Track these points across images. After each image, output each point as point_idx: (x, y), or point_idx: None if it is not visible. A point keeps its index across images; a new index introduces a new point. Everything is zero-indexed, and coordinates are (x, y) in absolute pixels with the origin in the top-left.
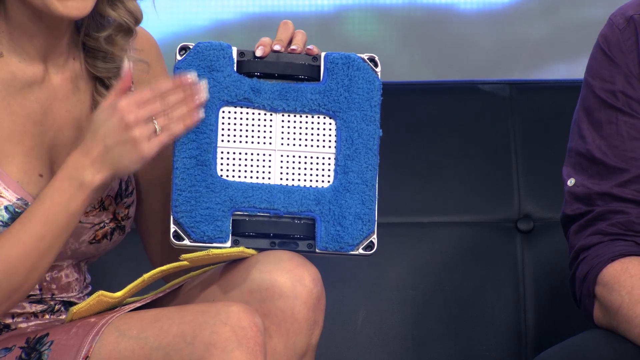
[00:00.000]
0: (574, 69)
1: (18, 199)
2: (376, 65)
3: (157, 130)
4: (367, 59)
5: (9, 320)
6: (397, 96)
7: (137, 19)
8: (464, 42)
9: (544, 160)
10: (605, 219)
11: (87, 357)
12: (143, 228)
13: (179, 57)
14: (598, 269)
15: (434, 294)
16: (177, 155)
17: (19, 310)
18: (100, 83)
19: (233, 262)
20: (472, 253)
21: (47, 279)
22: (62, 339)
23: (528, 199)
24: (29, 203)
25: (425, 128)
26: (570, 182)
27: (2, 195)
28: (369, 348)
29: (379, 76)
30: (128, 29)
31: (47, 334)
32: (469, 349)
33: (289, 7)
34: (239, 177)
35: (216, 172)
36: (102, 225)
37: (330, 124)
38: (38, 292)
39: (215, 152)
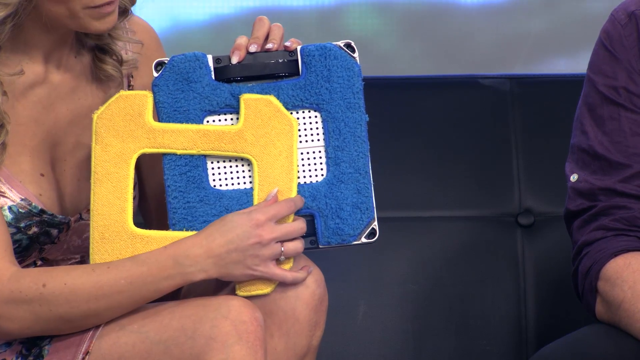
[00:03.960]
0: (575, 63)
1: (22, 199)
2: (353, 50)
3: (282, 256)
4: (344, 45)
5: None
6: (398, 90)
7: (133, 0)
8: (465, 36)
9: (545, 155)
10: (609, 214)
11: (88, 352)
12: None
13: (155, 74)
14: (601, 264)
15: (434, 288)
16: (167, 174)
17: None
18: (100, 51)
19: None
20: (472, 247)
21: None
22: (62, 335)
23: (529, 193)
24: (33, 203)
25: (426, 122)
26: (573, 177)
27: (6, 195)
28: (369, 342)
29: (358, 61)
30: (124, 10)
31: None
32: (469, 343)
33: (288, 0)
34: (232, 184)
35: (209, 184)
36: None
37: (316, 117)
38: None
39: (205, 164)
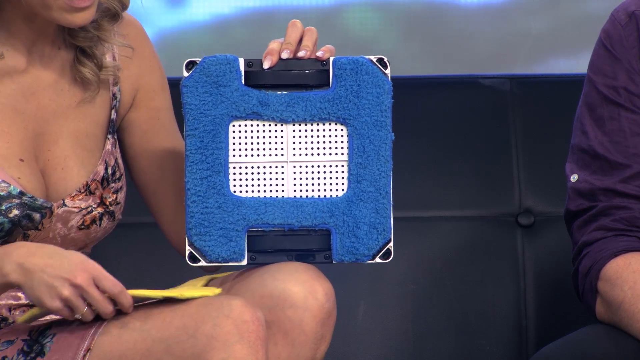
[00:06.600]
0: (575, 64)
1: (0, 182)
2: (385, 67)
3: (78, 315)
4: (376, 60)
5: (6, 314)
6: (397, 90)
7: (124, 5)
8: (465, 36)
9: (545, 155)
10: (609, 214)
11: (89, 349)
12: (156, 209)
13: (185, 73)
14: (601, 264)
15: (435, 288)
16: (188, 177)
17: (14, 302)
18: (81, 52)
19: (247, 270)
20: (472, 247)
21: None
22: (64, 332)
23: (529, 193)
24: (11, 185)
25: (426, 122)
26: (574, 178)
27: None
28: (370, 342)
29: (389, 78)
30: (115, 14)
31: (50, 327)
32: (469, 343)
33: (289, 0)
34: (252, 192)
35: (229, 190)
36: (89, 209)
37: (342, 130)
38: None
39: (227, 169)
